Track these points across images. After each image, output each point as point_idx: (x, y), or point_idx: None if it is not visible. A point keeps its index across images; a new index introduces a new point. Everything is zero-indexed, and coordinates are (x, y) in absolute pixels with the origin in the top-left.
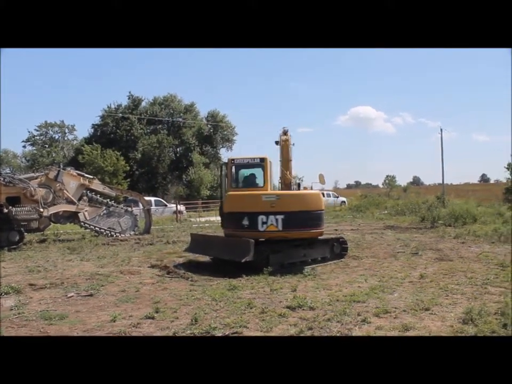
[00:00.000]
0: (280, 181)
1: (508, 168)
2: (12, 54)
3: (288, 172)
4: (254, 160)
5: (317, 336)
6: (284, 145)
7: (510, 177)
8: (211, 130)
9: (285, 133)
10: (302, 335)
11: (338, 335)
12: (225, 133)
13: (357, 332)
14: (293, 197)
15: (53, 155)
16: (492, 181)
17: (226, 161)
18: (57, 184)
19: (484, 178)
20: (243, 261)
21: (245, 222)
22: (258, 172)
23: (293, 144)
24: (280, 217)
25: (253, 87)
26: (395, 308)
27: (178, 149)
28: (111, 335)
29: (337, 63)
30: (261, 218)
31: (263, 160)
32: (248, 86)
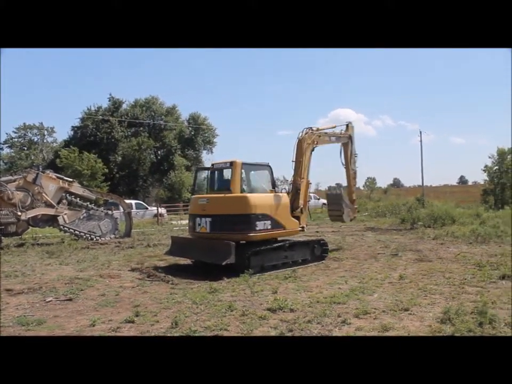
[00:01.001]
0: (290, 182)
1: (485, 170)
2: None
3: (297, 173)
4: (226, 164)
5: (299, 336)
6: (297, 145)
7: (487, 179)
8: (192, 133)
9: (306, 132)
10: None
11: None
12: (207, 135)
13: (337, 333)
14: (219, 200)
15: (32, 157)
16: (470, 183)
17: (197, 168)
18: (36, 187)
19: (462, 180)
20: (224, 263)
21: (190, 223)
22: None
23: (313, 147)
24: (208, 219)
25: (232, 90)
26: (375, 308)
27: (159, 152)
28: (111, 335)
29: (315, 64)
30: (197, 220)
31: (231, 164)
32: (227, 88)
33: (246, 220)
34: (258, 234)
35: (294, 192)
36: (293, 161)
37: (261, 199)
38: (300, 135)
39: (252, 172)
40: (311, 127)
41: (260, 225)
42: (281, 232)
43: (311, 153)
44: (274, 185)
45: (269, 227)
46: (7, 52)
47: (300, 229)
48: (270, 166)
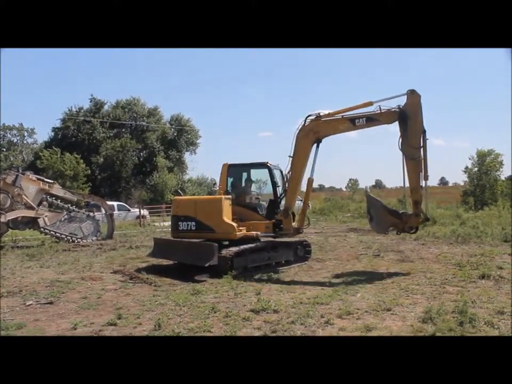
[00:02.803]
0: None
1: (465, 172)
2: None
3: (290, 168)
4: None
5: (282, 336)
6: (295, 137)
7: (468, 180)
8: (175, 134)
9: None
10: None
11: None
12: (189, 136)
13: (320, 334)
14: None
15: (11, 159)
16: (450, 184)
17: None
18: (15, 189)
19: (443, 182)
20: (207, 265)
21: None
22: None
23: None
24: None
25: (213, 91)
26: (357, 309)
27: (141, 153)
28: (110, 335)
29: (294, 66)
30: None
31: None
32: (208, 89)
33: (172, 220)
34: (180, 234)
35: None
36: (290, 156)
37: (186, 202)
38: (300, 125)
39: (244, 173)
40: (319, 113)
41: (183, 225)
42: (210, 234)
43: (312, 146)
44: (274, 185)
45: (193, 228)
46: None
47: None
48: (268, 166)
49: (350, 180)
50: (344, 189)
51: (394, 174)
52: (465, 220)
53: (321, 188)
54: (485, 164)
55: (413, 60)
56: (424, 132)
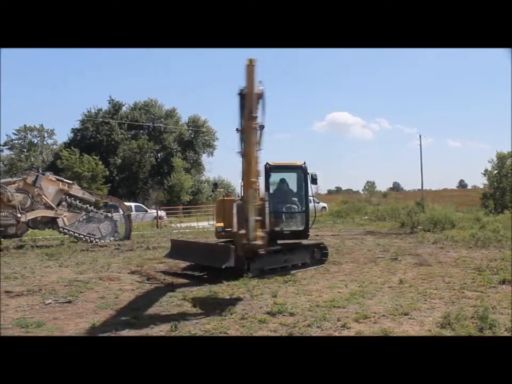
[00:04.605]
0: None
1: (484, 174)
2: None
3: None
4: None
5: (297, 336)
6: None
7: (487, 183)
8: (192, 136)
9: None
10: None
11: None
12: (207, 138)
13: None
14: None
15: (32, 160)
16: (469, 187)
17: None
18: (36, 189)
19: (462, 184)
20: (223, 266)
21: None
22: None
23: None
24: None
25: (228, 92)
26: (374, 313)
27: (159, 154)
28: (111, 335)
29: (312, 67)
30: None
31: None
32: (224, 90)
33: None
34: None
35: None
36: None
37: None
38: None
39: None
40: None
41: None
42: None
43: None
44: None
45: None
46: (7, 52)
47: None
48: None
49: (367, 182)
50: (362, 192)
51: (412, 177)
52: (484, 224)
53: (338, 190)
54: (505, 166)
55: (428, 58)
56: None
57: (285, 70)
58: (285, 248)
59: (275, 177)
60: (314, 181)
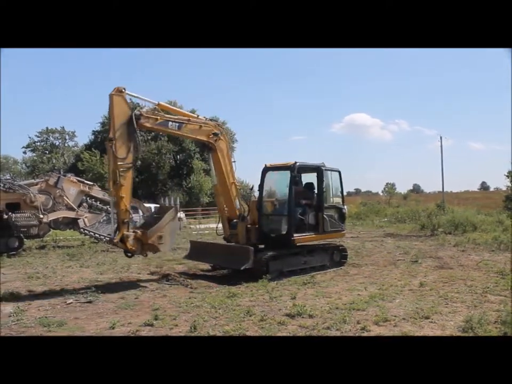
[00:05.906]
0: None
1: (508, 176)
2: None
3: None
4: None
5: (316, 336)
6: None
7: (510, 185)
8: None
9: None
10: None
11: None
12: None
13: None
14: None
15: (53, 161)
16: (491, 189)
17: None
18: (57, 191)
19: (484, 186)
20: (242, 268)
21: None
22: None
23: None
24: None
25: (245, 94)
26: (395, 316)
27: (178, 156)
28: (131, 335)
29: (332, 68)
30: None
31: None
32: (241, 93)
33: None
34: None
35: None
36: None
37: None
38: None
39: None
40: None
41: None
42: None
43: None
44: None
45: None
46: (29, 56)
47: None
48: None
49: (387, 184)
50: (381, 193)
51: (432, 179)
52: (507, 226)
53: (358, 192)
54: None
55: (451, 61)
56: None
57: (303, 71)
58: (303, 250)
59: (270, 177)
60: (296, 183)
